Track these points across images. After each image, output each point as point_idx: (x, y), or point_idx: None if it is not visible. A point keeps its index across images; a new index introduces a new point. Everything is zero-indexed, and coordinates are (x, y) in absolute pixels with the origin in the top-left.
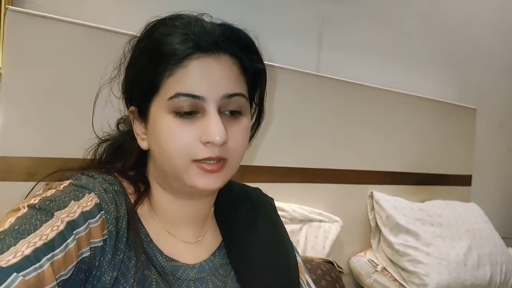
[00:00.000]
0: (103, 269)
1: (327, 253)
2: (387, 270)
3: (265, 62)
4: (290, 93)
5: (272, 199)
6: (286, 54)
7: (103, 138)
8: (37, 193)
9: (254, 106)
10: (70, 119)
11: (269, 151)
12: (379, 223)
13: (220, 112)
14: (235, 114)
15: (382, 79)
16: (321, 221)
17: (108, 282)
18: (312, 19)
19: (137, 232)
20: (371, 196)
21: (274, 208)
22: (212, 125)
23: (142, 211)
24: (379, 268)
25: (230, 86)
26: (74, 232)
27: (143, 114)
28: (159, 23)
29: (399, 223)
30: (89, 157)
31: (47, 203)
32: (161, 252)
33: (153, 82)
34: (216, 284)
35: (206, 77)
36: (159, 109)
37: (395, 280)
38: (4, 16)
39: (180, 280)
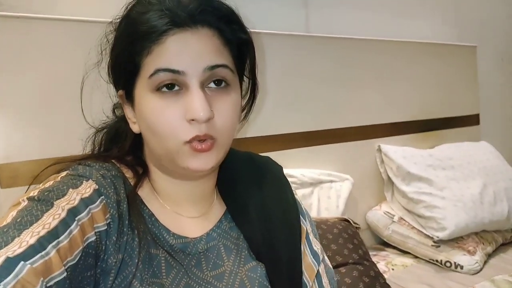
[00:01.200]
0: (109, 252)
1: (342, 211)
2: (404, 220)
3: (249, 30)
4: (282, 59)
5: (281, 167)
6: (271, 18)
7: (99, 127)
8: (36, 187)
9: (246, 80)
10: (65, 115)
11: (269, 120)
12: (391, 175)
13: (204, 86)
14: (221, 84)
15: (376, 29)
16: (331, 181)
17: (114, 264)
18: None
19: (139, 213)
20: (379, 150)
21: (282, 175)
22: (194, 101)
23: (144, 193)
24: (396, 218)
25: (211, 58)
26: (76, 219)
27: (130, 97)
28: (136, 2)
29: (410, 172)
30: (88, 147)
31: (45, 193)
32: (168, 231)
33: (133, 62)
34: (228, 246)
35: (184, 51)
36: (142, 90)
37: (413, 228)
38: None
39: (190, 256)
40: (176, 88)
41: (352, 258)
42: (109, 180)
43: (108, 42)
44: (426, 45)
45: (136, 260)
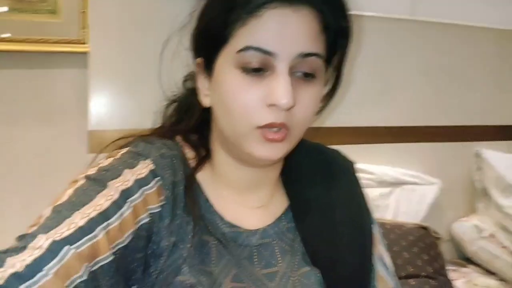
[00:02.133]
0: (161, 235)
1: (423, 218)
2: (495, 237)
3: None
4: (379, 43)
5: (353, 162)
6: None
7: (170, 100)
8: (98, 162)
9: (330, 70)
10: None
11: (352, 110)
12: (488, 185)
13: (292, 72)
14: (308, 77)
15: (490, 15)
16: (415, 183)
17: (165, 247)
18: None
19: (194, 197)
20: (478, 155)
21: (353, 172)
22: (280, 86)
23: (203, 176)
24: (485, 234)
25: (307, 44)
26: (128, 201)
27: (209, 67)
28: None
29: None
30: (158, 121)
31: (102, 173)
32: (221, 218)
33: (224, 31)
34: (283, 248)
35: (281, 30)
36: (226, 62)
37: (505, 247)
38: None
39: (242, 247)
40: (263, 71)
41: (426, 271)
42: (168, 160)
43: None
44: None
45: (189, 245)
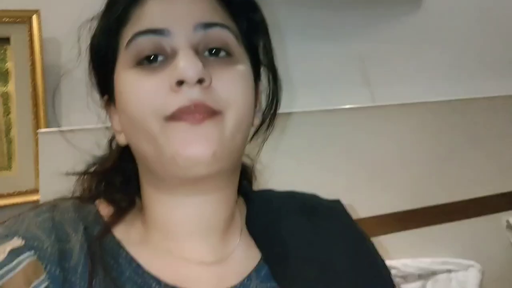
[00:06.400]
0: None
1: None
2: None
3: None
4: (355, 132)
5: (338, 200)
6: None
7: (91, 162)
8: None
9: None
10: None
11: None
12: None
13: (198, 52)
14: (219, 53)
15: (460, 88)
16: (449, 270)
17: None
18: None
19: (107, 261)
20: (509, 225)
21: (343, 209)
22: (182, 59)
23: (128, 233)
24: None
25: (205, 14)
26: None
27: (112, 93)
28: None
29: None
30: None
31: None
32: (157, 280)
33: (111, 43)
34: None
35: (169, 6)
36: (121, 70)
37: None
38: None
39: None
40: (161, 58)
41: None
42: (49, 225)
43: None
44: None
45: None
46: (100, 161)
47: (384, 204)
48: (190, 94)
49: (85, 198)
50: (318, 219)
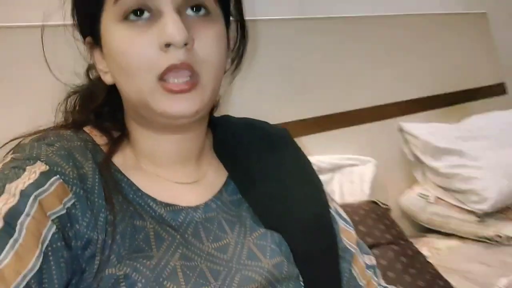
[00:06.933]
0: (81, 234)
1: (368, 196)
2: (441, 199)
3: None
4: (281, 44)
5: (285, 129)
6: (265, 3)
7: (70, 91)
8: None
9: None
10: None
11: (274, 108)
12: (418, 153)
13: (180, 12)
14: (199, 11)
15: (379, 5)
16: (352, 165)
17: (97, 249)
18: None
19: (114, 183)
20: (401, 129)
21: (289, 135)
22: (169, 22)
23: (123, 160)
24: (431, 199)
25: None
26: (18, 223)
27: (98, 40)
28: None
29: (438, 146)
30: (60, 115)
31: None
32: (154, 199)
33: None
34: (229, 220)
35: None
36: (108, 23)
37: (453, 205)
38: None
39: (184, 224)
40: (146, 14)
41: (385, 239)
42: (65, 153)
43: None
44: (434, 16)
45: (117, 236)
46: (83, 91)
47: (304, 111)
48: (178, 55)
49: (71, 125)
50: (273, 145)
